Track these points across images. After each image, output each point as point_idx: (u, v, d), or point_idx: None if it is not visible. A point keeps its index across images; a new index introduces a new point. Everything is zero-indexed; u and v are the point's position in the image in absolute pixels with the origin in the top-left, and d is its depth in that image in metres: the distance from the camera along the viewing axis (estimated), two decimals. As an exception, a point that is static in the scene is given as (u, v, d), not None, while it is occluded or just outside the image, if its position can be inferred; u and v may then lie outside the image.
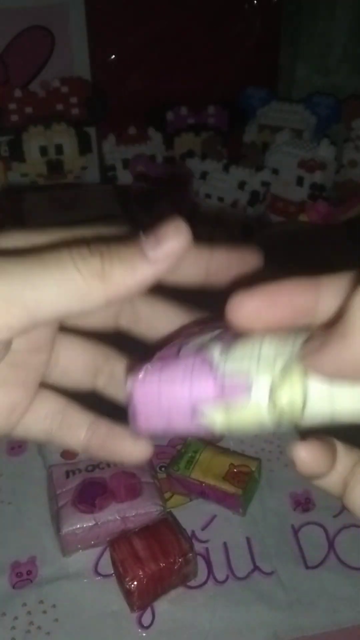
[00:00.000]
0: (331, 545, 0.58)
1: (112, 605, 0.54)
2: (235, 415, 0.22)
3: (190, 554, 0.54)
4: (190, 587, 0.55)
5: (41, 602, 0.55)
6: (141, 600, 0.53)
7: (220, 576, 0.56)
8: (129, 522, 0.57)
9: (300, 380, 0.21)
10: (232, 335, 0.24)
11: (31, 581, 0.56)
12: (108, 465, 0.61)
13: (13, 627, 0.53)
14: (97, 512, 0.57)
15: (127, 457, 0.28)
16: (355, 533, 0.59)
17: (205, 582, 0.56)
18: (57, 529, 0.56)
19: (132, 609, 0.53)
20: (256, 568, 0.57)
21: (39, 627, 0.53)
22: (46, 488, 0.62)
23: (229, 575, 0.56)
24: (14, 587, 0.56)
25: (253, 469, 0.61)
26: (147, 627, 0.53)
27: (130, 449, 0.27)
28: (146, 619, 0.53)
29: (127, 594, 0.53)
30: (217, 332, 0.25)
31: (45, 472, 0.63)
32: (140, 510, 0.57)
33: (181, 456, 0.62)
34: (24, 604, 0.55)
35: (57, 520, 0.57)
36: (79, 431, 0.28)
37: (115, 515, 0.57)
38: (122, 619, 0.53)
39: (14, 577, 0.57)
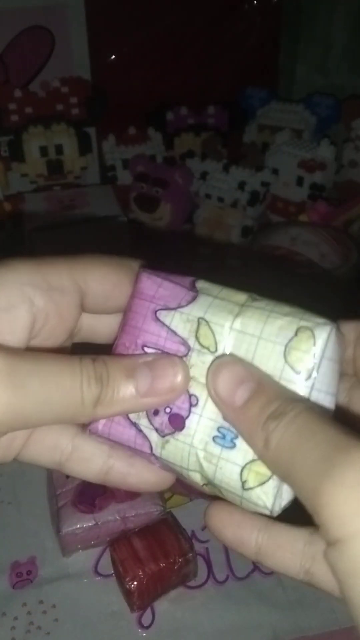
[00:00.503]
0: (331, 545, 0.58)
1: (112, 605, 0.54)
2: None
3: (190, 554, 0.54)
4: (190, 587, 0.55)
5: (41, 602, 0.55)
6: (141, 600, 0.53)
7: (220, 576, 0.56)
8: (129, 522, 0.57)
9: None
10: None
11: (31, 581, 0.56)
12: None
13: (13, 627, 0.53)
14: (97, 512, 0.57)
15: (150, 487, 0.29)
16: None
17: (205, 582, 0.56)
18: (57, 529, 0.56)
19: (132, 609, 0.53)
20: (256, 568, 0.57)
21: (38, 627, 0.53)
22: (46, 488, 0.62)
23: (229, 575, 0.56)
24: (13, 587, 0.56)
25: None
26: (147, 627, 0.53)
27: (153, 480, 0.28)
28: (146, 619, 0.53)
29: (127, 594, 0.53)
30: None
31: (46, 472, 0.63)
32: (140, 511, 0.57)
33: None
34: (24, 604, 0.55)
35: (57, 520, 0.57)
36: (93, 464, 0.28)
37: (115, 515, 0.57)
38: (122, 619, 0.53)
39: (14, 577, 0.57)
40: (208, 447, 0.25)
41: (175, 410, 0.26)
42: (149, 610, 0.54)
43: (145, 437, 0.26)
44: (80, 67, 1.16)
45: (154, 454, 0.26)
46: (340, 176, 1.12)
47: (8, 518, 0.62)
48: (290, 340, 0.24)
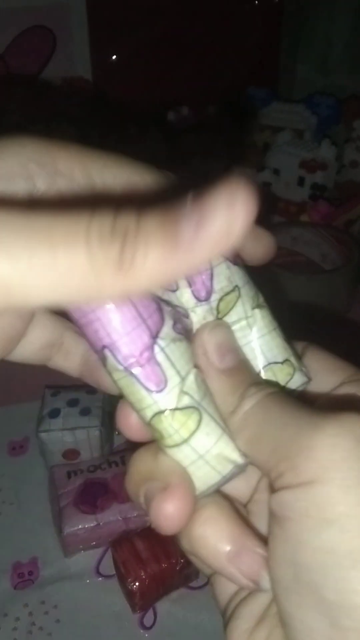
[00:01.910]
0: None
1: (114, 606, 0.54)
2: (126, 386, 0.22)
3: None
4: (192, 588, 0.55)
5: (43, 602, 0.55)
6: (143, 601, 0.53)
7: (222, 577, 0.56)
8: (131, 522, 0.57)
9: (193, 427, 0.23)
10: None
11: (33, 582, 0.56)
12: (109, 465, 0.61)
13: (15, 628, 0.53)
14: (99, 512, 0.57)
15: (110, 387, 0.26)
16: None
17: (206, 583, 0.56)
18: (59, 529, 0.56)
19: (134, 610, 0.53)
20: (258, 569, 0.57)
21: (40, 628, 0.53)
22: (47, 489, 0.62)
23: (230, 576, 0.56)
24: (15, 587, 0.56)
25: None
26: (149, 628, 0.53)
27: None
28: (148, 619, 0.53)
29: (129, 594, 0.53)
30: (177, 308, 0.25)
31: (47, 472, 0.63)
32: (142, 511, 0.57)
33: None
34: (26, 605, 0.55)
35: (58, 520, 0.57)
36: (74, 359, 0.28)
37: (117, 516, 0.56)
38: (124, 620, 0.53)
39: (16, 578, 0.57)
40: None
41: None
42: (150, 611, 0.54)
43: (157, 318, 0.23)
44: (82, 67, 1.16)
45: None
46: (341, 176, 1.12)
47: (10, 518, 0.62)
48: (275, 363, 0.26)
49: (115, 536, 0.56)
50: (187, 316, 0.25)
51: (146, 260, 0.16)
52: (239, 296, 0.26)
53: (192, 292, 0.25)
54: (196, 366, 0.24)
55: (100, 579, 0.57)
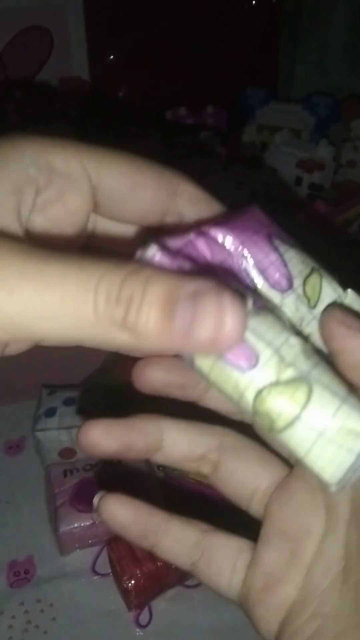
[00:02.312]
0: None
1: (110, 604, 0.54)
2: (218, 371, 0.21)
3: None
4: (188, 586, 0.55)
5: (39, 601, 0.55)
6: (138, 599, 0.53)
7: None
8: None
9: (298, 401, 0.20)
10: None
11: (29, 580, 0.56)
12: (105, 464, 0.61)
13: (10, 626, 0.53)
14: (95, 511, 0.56)
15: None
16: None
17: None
18: (55, 528, 0.56)
19: (129, 608, 0.53)
20: (253, 567, 0.57)
21: (36, 626, 0.53)
22: (44, 487, 0.62)
23: (226, 575, 0.56)
24: (11, 586, 0.56)
25: None
26: (145, 626, 0.53)
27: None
28: (144, 618, 0.53)
29: (125, 593, 0.53)
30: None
31: (43, 471, 0.63)
32: None
33: None
34: (22, 603, 0.55)
35: (55, 519, 0.57)
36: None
37: None
38: (120, 618, 0.53)
39: (12, 576, 0.57)
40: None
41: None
42: (146, 610, 0.54)
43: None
44: (79, 67, 1.16)
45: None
46: (339, 176, 1.12)
47: (6, 517, 0.62)
48: None
49: (111, 534, 0.56)
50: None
51: (147, 328, 0.17)
52: (321, 276, 0.24)
53: (272, 285, 0.23)
54: (304, 337, 0.22)
55: (96, 577, 0.57)
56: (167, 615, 0.54)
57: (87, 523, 0.56)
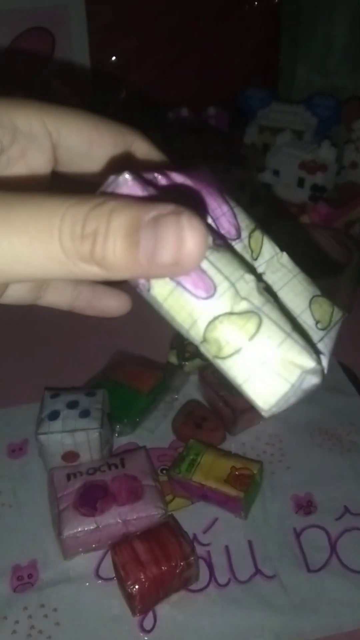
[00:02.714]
0: (333, 548, 0.58)
1: (114, 609, 0.54)
2: (174, 299, 0.22)
3: (192, 558, 0.53)
4: (192, 591, 0.55)
5: (42, 605, 0.54)
6: (143, 604, 0.52)
7: (222, 580, 0.56)
8: (131, 525, 0.56)
9: (243, 335, 0.22)
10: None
11: (32, 585, 0.56)
12: (109, 468, 0.61)
13: (14, 631, 0.53)
14: (99, 515, 0.56)
15: (110, 311, 0.29)
16: (358, 536, 0.59)
17: (206, 586, 0.56)
18: (58, 532, 0.56)
19: (133, 613, 0.53)
20: (258, 571, 0.57)
21: (40, 631, 0.53)
22: (47, 491, 0.62)
23: (230, 579, 0.56)
24: (14, 590, 0.56)
25: (255, 471, 0.60)
26: (149, 631, 0.53)
27: (115, 304, 0.29)
28: (148, 622, 0.53)
29: (129, 597, 0.52)
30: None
31: (46, 475, 0.63)
32: (141, 514, 0.57)
33: (183, 459, 0.62)
34: (25, 608, 0.54)
35: (58, 523, 0.57)
36: (65, 293, 0.28)
37: (117, 519, 0.56)
38: (124, 623, 0.53)
39: (15, 581, 0.56)
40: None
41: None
42: (150, 614, 0.54)
43: None
44: (81, 68, 1.16)
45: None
46: (341, 177, 1.11)
47: (9, 521, 0.61)
48: (318, 295, 0.26)
49: (115, 539, 0.56)
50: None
51: (115, 259, 0.18)
52: (263, 234, 0.26)
53: (223, 233, 0.25)
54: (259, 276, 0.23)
55: (99, 581, 0.56)
56: (172, 620, 0.53)
57: (91, 527, 0.56)
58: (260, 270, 0.26)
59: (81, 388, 0.69)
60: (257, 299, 0.22)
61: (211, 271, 0.22)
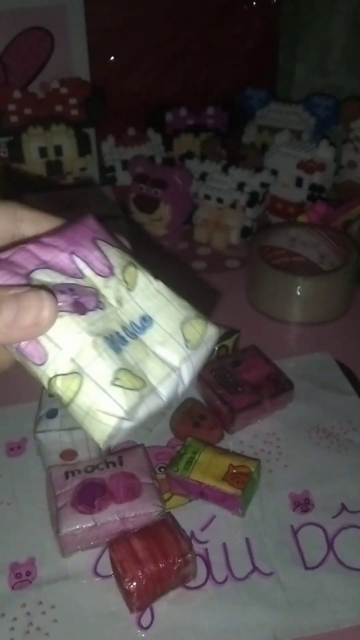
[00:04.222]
0: (330, 546, 0.58)
1: (112, 606, 0.54)
2: (24, 363, 0.29)
3: (190, 555, 0.54)
4: (190, 588, 0.55)
5: (40, 603, 0.55)
6: (140, 601, 0.53)
7: (220, 577, 0.56)
8: (129, 522, 0.57)
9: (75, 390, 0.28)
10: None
11: (30, 582, 0.56)
12: (107, 466, 0.61)
13: (12, 628, 0.53)
14: (97, 512, 0.56)
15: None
16: (355, 534, 0.59)
17: (204, 583, 0.56)
18: (57, 529, 0.56)
19: (131, 610, 0.53)
20: (255, 569, 0.57)
21: (38, 628, 0.53)
22: (45, 489, 0.62)
23: (228, 576, 0.56)
24: (13, 588, 0.56)
25: (252, 469, 0.61)
26: (147, 628, 0.53)
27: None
28: (145, 619, 0.53)
29: (127, 594, 0.53)
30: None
31: (45, 473, 0.63)
32: (139, 511, 0.57)
33: (180, 457, 0.62)
34: (23, 605, 0.54)
35: (56, 521, 0.57)
36: None
37: (115, 516, 0.56)
38: (122, 620, 0.53)
39: (13, 578, 0.57)
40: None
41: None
42: (148, 611, 0.54)
43: None
44: (80, 68, 1.16)
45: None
46: (340, 177, 1.12)
47: (7, 519, 0.62)
48: (192, 317, 0.32)
49: (113, 536, 0.56)
50: (96, 294, 0.30)
51: None
52: (137, 268, 0.32)
53: (97, 273, 0.30)
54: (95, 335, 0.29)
55: (97, 579, 0.56)
56: (169, 616, 0.53)
57: (89, 525, 0.56)
58: (136, 299, 0.31)
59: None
60: (84, 359, 0.28)
61: (44, 341, 0.28)
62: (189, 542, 0.55)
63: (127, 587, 0.52)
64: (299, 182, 1.03)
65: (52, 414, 0.62)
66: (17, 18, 1.09)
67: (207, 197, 1.05)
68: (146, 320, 0.31)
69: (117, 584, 0.55)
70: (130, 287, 0.31)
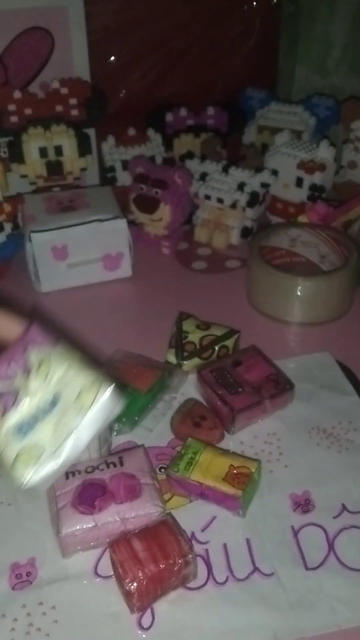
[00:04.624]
0: (331, 546, 0.58)
1: (112, 606, 0.54)
2: None
3: (190, 556, 0.54)
4: (190, 589, 0.55)
5: (41, 603, 0.55)
6: (141, 601, 0.53)
7: (220, 577, 0.56)
8: (129, 523, 0.57)
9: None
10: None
11: (31, 583, 0.56)
12: (107, 466, 0.61)
13: (13, 629, 0.53)
14: (97, 513, 0.56)
15: None
16: (355, 534, 0.59)
17: (205, 584, 0.56)
18: (57, 530, 0.56)
19: (132, 611, 0.53)
20: (256, 569, 0.57)
21: (38, 629, 0.53)
22: (46, 489, 0.62)
23: (228, 577, 0.56)
24: (13, 588, 0.56)
25: (253, 470, 0.61)
26: (147, 629, 0.53)
27: None
28: (146, 620, 0.53)
29: (127, 595, 0.52)
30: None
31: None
32: (140, 512, 0.57)
33: (181, 457, 0.62)
34: (24, 606, 0.54)
35: (56, 521, 0.57)
36: None
37: (115, 517, 0.56)
38: (122, 621, 0.53)
39: (14, 579, 0.57)
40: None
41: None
42: (148, 612, 0.54)
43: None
44: (80, 69, 1.16)
45: None
46: (340, 177, 1.12)
47: (7, 519, 0.62)
48: (87, 385, 0.42)
49: (113, 537, 0.56)
50: (17, 393, 0.43)
51: None
52: (50, 360, 0.43)
53: (21, 373, 0.43)
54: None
55: (98, 579, 0.56)
56: (170, 617, 0.53)
57: (89, 525, 0.56)
58: (49, 387, 0.43)
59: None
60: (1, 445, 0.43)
61: None
62: (190, 543, 0.55)
63: (127, 587, 0.52)
64: (299, 182, 1.03)
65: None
66: (17, 18, 1.09)
67: (207, 197, 1.05)
68: (54, 401, 0.42)
69: (117, 585, 0.55)
70: (44, 378, 0.42)
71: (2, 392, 0.41)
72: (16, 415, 0.42)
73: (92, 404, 0.41)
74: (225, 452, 0.64)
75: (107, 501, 0.57)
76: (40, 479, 0.41)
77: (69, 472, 0.60)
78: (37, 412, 0.42)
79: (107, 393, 0.41)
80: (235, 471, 0.60)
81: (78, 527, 0.56)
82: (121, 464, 0.61)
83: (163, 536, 0.55)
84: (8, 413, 0.42)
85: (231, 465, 0.61)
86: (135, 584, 0.52)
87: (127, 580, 0.52)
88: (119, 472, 0.60)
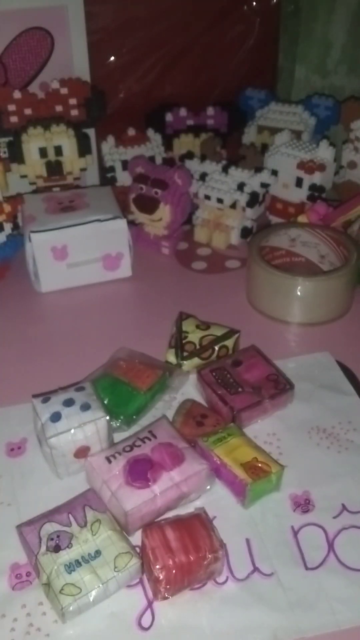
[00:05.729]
0: (331, 546, 0.58)
1: (112, 606, 0.54)
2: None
3: (220, 552, 0.54)
4: (190, 589, 0.55)
5: (41, 603, 0.55)
6: (167, 589, 0.53)
7: (220, 577, 0.56)
8: (184, 486, 0.59)
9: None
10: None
11: (31, 583, 0.56)
12: (143, 441, 0.63)
13: (12, 629, 0.53)
14: (153, 484, 0.58)
15: None
16: (355, 534, 0.59)
17: (204, 584, 0.56)
18: (121, 511, 0.58)
19: (156, 598, 0.54)
20: (256, 569, 0.57)
21: (38, 629, 0.53)
22: (48, 489, 0.63)
23: (228, 577, 0.56)
24: (13, 588, 0.56)
25: (273, 470, 0.61)
26: (147, 629, 0.53)
27: None
28: (146, 620, 0.53)
29: (155, 581, 0.53)
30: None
31: (45, 473, 0.64)
32: (190, 472, 0.60)
33: (215, 433, 0.65)
34: (24, 606, 0.54)
35: (116, 503, 0.58)
36: None
37: (170, 483, 0.59)
38: (122, 620, 0.53)
39: (14, 579, 0.57)
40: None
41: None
42: (148, 612, 0.54)
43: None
44: (80, 69, 1.16)
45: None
46: (340, 177, 1.12)
47: (7, 519, 0.62)
48: (122, 552, 0.55)
49: (172, 504, 0.59)
50: (71, 537, 0.56)
51: None
52: (101, 523, 0.57)
53: (77, 524, 0.57)
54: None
55: (98, 579, 0.56)
56: (170, 617, 0.53)
57: (150, 496, 0.58)
58: (96, 541, 0.56)
59: (69, 386, 0.69)
60: (51, 578, 0.54)
61: (38, 567, 0.55)
62: (221, 540, 0.56)
63: (156, 574, 0.52)
64: (299, 183, 1.03)
65: (55, 417, 0.62)
66: (17, 18, 1.09)
67: (207, 197, 1.05)
68: (97, 553, 0.55)
69: (144, 570, 0.55)
70: (93, 534, 0.56)
71: (60, 533, 0.55)
72: (68, 555, 0.54)
73: (123, 568, 0.54)
74: (257, 447, 0.65)
75: (157, 472, 0.59)
76: (73, 609, 0.52)
77: (108, 457, 0.61)
78: (82, 557, 0.54)
79: (135, 564, 0.54)
80: (256, 464, 0.62)
81: (141, 502, 0.58)
82: (154, 436, 0.63)
83: (196, 529, 0.56)
84: (62, 551, 0.54)
85: (255, 458, 0.62)
86: (164, 572, 0.52)
87: (158, 566, 0.53)
88: (156, 444, 0.62)
